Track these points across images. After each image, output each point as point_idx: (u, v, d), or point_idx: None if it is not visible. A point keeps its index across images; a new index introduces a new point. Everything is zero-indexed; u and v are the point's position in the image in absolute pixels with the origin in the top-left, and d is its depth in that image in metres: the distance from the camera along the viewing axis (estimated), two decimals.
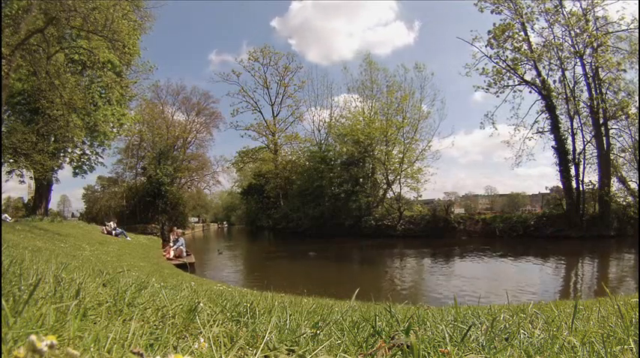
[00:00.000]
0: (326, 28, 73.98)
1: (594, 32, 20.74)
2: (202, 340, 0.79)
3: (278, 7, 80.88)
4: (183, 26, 70.61)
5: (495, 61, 23.37)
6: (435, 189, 52.52)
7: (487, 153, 72.90)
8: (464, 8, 58.69)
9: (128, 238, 17.14)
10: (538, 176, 77.51)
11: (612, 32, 20.69)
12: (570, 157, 22.17)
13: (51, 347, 0.48)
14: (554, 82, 22.63)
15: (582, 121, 22.26)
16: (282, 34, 71.93)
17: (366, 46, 68.33)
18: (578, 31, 21.19)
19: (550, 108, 22.55)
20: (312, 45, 75.77)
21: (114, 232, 17.33)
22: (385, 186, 29.16)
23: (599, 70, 20.97)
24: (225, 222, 64.38)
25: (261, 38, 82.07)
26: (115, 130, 20.66)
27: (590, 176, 21.95)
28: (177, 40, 68.06)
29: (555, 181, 24.33)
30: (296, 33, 74.24)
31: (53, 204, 37.13)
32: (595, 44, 20.68)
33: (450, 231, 23.04)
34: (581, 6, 21.37)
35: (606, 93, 21.24)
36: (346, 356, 0.79)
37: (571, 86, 22.24)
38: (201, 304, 1.16)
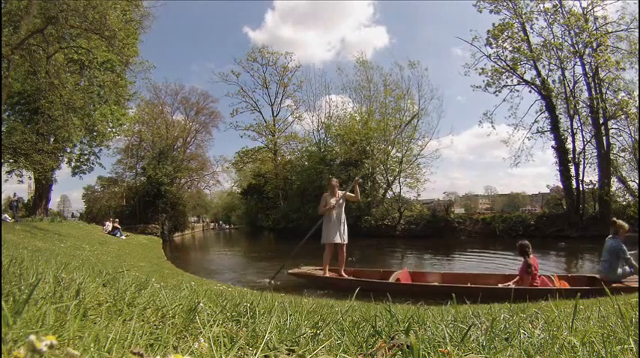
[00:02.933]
0: (300, 38, 74.56)
1: (594, 32, 20.75)
2: (202, 340, 0.79)
3: (253, 18, 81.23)
4: (164, 31, 70.02)
5: (494, 60, 23.40)
6: (435, 189, 52.70)
7: (479, 153, 73.59)
8: (442, 9, 59.47)
9: (123, 236, 17.15)
10: (534, 176, 78.20)
11: (612, 32, 20.71)
12: (570, 157, 22.18)
13: (51, 347, 0.48)
14: (554, 81, 22.66)
15: (582, 121, 22.28)
16: (256, 42, 72.52)
17: (346, 50, 68.98)
18: (577, 30, 21.21)
19: (550, 108, 22.56)
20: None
21: (116, 233, 17.41)
22: (385, 186, 29.16)
23: (599, 69, 20.98)
24: (221, 223, 59.02)
25: (236, 48, 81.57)
26: (114, 130, 20.69)
27: (590, 176, 21.98)
28: (164, 44, 67.23)
29: (554, 181, 24.39)
30: (270, 45, 74.58)
31: (53, 204, 37.12)
32: (595, 44, 20.70)
33: (450, 231, 23.03)
34: (580, 5, 21.42)
35: (606, 92, 21.25)
36: (346, 356, 0.79)
37: (571, 86, 22.26)
38: (201, 304, 1.16)
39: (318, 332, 0.95)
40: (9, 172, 17.95)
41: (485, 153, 77.52)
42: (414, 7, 72.85)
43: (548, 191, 27.86)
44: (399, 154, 28.45)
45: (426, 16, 75.24)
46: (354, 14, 76.93)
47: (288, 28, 75.51)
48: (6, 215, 18.35)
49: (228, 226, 56.49)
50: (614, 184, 22.03)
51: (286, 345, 0.84)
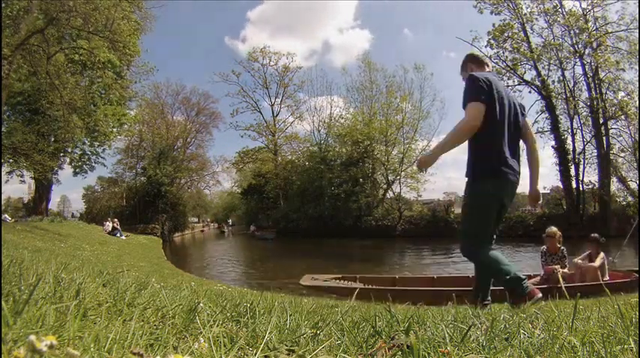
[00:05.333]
0: (281, 47, 74.93)
1: (594, 32, 20.77)
2: (202, 340, 0.79)
3: (231, 29, 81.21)
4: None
5: (495, 61, 23.39)
6: (435, 190, 52.82)
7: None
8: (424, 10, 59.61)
9: (123, 237, 17.13)
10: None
11: (612, 32, 20.73)
12: (570, 157, 22.19)
13: (51, 347, 0.48)
14: (553, 82, 22.69)
15: (582, 121, 22.30)
16: (236, 49, 72.57)
17: (330, 54, 69.30)
18: (577, 30, 21.22)
19: (550, 108, 22.57)
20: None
21: (116, 233, 17.40)
22: (385, 186, 29.18)
23: (599, 69, 20.99)
24: (215, 223, 56.03)
25: (217, 57, 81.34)
26: (115, 130, 20.69)
27: (590, 176, 22.00)
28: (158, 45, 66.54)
29: (554, 181, 24.41)
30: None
31: (53, 205, 37.19)
32: (594, 44, 20.72)
33: (450, 231, 23.03)
34: (580, 6, 21.43)
35: (606, 92, 21.27)
36: (346, 356, 0.79)
37: (570, 86, 22.28)
38: (201, 304, 1.16)
39: (318, 332, 0.95)
40: (9, 172, 17.97)
41: None
42: (394, 9, 73.56)
43: (547, 191, 27.86)
44: (400, 155, 28.52)
45: (408, 19, 76.18)
46: (335, 19, 77.64)
47: (265, 39, 76.05)
48: (6, 215, 18.36)
49: (231, 226, 54.41)
50: (614, 184, 22.05)
51: (286, 345, 0.84)
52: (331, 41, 73.80)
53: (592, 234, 5.56)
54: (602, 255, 5.45)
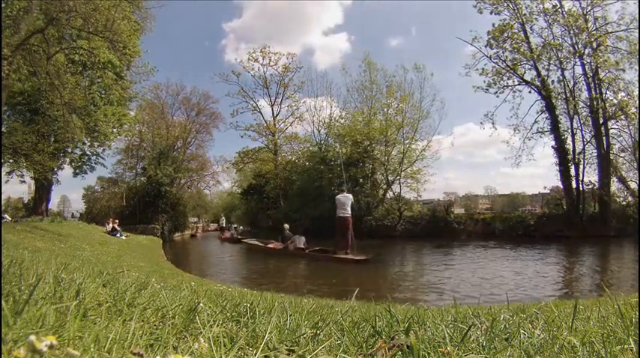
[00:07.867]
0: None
1: (593, 32, 20.77)
2: (202, 340, 0.79)
3: (213, 32, 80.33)
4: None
5: (495, 61, 23.40)
6: (435, 190, 52.89)
7: (468, 153, 73.75)
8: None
9: (123, 237, 17.13)
10: (532, 176, 77.98)
11: (611, 32, 20.73)
12: (570, 157, 22.18)
13: (51, 347, 0.48)
14: (553, 82, 22.67)
15: (582, 121, 22.29)
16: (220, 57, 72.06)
17: (311, 56, 69.17)
18: (577, 30, 21.21)
19: (550, 108, 22.56)
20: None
21: (116, 233, 17.39)
22: (385, 187, 29.14)
23: (599, 69, 20.99)
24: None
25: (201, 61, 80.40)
26: (115, 131, 20.71)
27: (590, 176, 21.98)
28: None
29: (554, 181, 24.43)
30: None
31: (53, 205, 37.15)
32: (594, 44, 20.72)
33: (449, 231, 23.01)
34: (580, 6, 21.43)
35: (606, 93, 21.27)
36: (346, 356, 0.79)
37: (570, 86, 22.27)
38: (201, 304, 1.16)
39: (318, 332, 0.96)
40: (9, 173, 17.96)
41: (475, 152, 77.36)
42: (377, 11, 73.46)
43: (548, 191, 27.89)
44: (400, 155, 28.49)
45: (391, 22, 76.10)
46: (318, 24, 77.03)
47: (243, 50, 75.28)
48: (6, 215, 18.35)
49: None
50: (614, 184, 22.05)
51: (286, 345, 0.84)
52: (314, 45, 73.31)
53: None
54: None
